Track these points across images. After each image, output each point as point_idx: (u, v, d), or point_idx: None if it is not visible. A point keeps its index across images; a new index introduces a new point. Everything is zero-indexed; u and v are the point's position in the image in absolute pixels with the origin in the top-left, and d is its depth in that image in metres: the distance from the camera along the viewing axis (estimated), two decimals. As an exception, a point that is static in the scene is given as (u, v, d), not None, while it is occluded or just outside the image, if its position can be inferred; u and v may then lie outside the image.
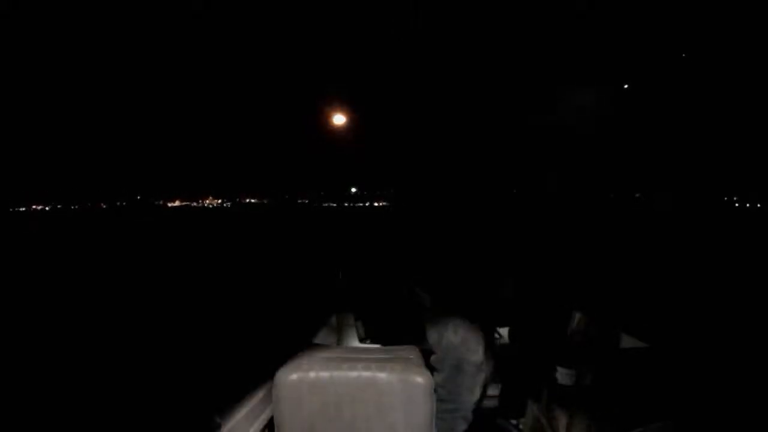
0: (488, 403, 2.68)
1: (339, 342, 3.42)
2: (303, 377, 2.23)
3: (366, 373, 2.18)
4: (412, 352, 2.44)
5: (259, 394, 2.40)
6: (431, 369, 2.28)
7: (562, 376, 2.83)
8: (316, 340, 3.15)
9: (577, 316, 3.52)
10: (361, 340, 3.51)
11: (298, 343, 2.81)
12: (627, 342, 3.05)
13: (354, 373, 2.18)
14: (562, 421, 2.64)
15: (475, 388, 2.51)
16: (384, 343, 3.41)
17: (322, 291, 4.01)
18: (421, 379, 2.15)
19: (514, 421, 2.86)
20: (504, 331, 3.46)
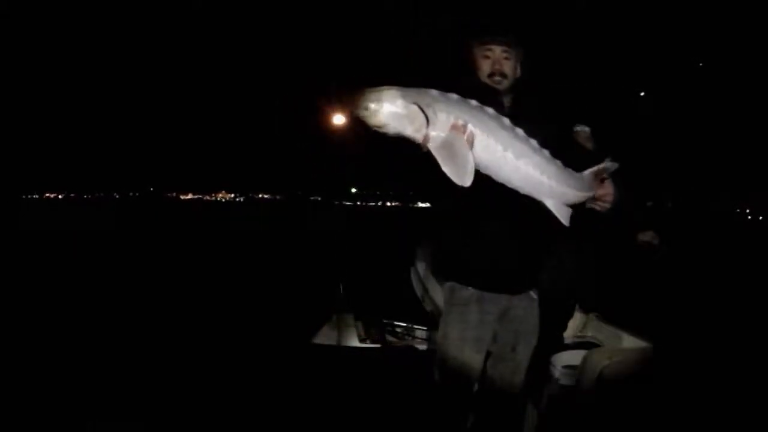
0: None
1: (339, 342, 3.42)
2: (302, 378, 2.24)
3: (365, 375, 2.17)
4: (411, 353, 2.44)
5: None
6: None
7: (562, 376, 2.82)
8: (316, 340, 3.16)
9: (578, 315, 3.51)
10: (362, 340, 3.51)
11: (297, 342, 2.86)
12: (627, 342, 3.04)
13: (353, 374, 2.17)
14: (562, 421, 2.65)
15: None
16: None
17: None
18: (420, 380, 2.15)
19: (514, 421, 2.86)
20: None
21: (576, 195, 1.75)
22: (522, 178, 1.62)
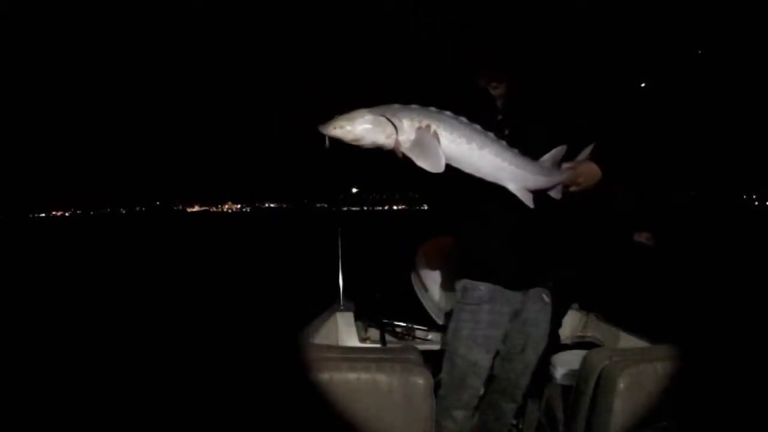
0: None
1: (339, 342, 3.41)
2: (301, 378, 2.23)
3: (365, 375, 2.16)
4: (411, 353, 2.43)
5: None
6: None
7: (562, 376, 2.82)
8: (316, 340, 3.15)
9: (578, 315, 3.49)
10: (362, 340, 3.50)
11: (297, 342, 2.84)
12: (627, 342, 3.03)
13: (353, 375, 2.17)
14: (562, 421, 2.63)
15: None
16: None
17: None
18: (421, 379, 2.14)
19: (514, 421, 2.85)
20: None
21: (534, 178, 1.95)
22: (487, 165, 1.83)
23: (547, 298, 2.33)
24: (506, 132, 2.13)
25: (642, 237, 3.05)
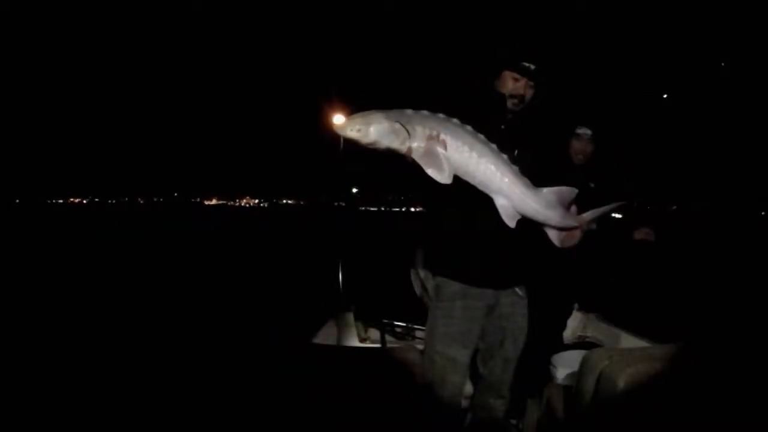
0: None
1: (339, 342, 3.44)
2: (300, 379, 2.25)
3: (365, 375, 2.17)
4: (411, 352, 2.44)
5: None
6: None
7: (562, 376, 2.82)
8: (316, 340, 3.18)
9: (578, 315, 3.49)
10: (362, 340, 3.53)
11: (297, 342, 2.87)
12: (627, 342, 3.02)
13: (353, 375, 2.18)
14: (562, 421, 2.63)
15: None
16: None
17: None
18: (420, 379, 2.15)
19: (514, 421, 2.86)
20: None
21: (524, 201, 1.92)
22: (482, 174, 1.84)
23: (520, 292, 2.34)
24: (509, 141, 2.14)
25: (642, 234, 3.04)
